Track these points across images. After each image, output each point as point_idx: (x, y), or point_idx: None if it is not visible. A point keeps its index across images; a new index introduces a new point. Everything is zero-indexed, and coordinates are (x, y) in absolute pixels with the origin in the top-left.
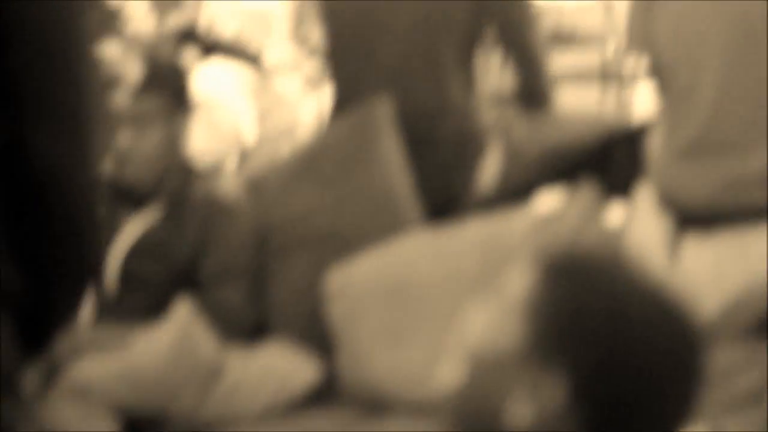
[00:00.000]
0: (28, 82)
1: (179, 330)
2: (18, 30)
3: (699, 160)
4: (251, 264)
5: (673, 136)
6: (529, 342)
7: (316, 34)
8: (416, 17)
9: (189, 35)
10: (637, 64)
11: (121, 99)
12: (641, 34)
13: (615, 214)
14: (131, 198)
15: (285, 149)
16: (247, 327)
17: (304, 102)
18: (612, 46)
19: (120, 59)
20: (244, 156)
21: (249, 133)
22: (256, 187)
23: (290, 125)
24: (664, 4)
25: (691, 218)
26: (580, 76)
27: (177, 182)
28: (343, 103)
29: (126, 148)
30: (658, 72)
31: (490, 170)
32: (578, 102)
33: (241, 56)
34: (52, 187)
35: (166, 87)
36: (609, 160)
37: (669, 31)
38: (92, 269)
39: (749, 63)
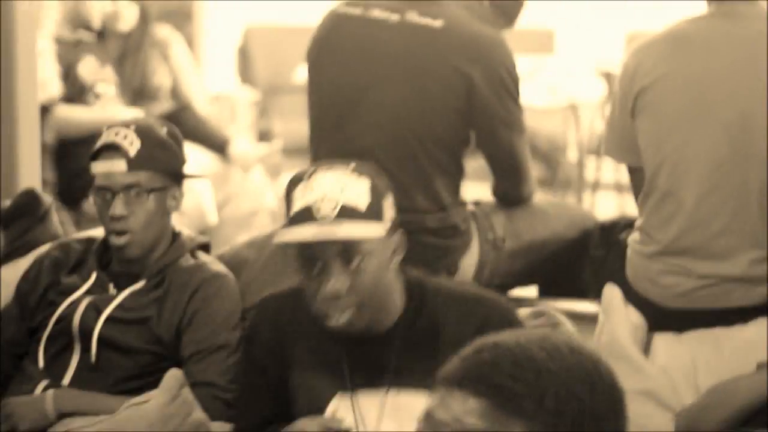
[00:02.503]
0: None
1: (170, 398)
2: None
3: (676, 261)
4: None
5: (650, 238)
6: None
7: (278, 126)
8: (403, 109)
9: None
10: (598, 170)
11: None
12: (620, 142)
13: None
14: (122, 265)
15: (244, 234)
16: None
17: (265, 190)
18: (574, 152)
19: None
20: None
21: (211, 216)
22: (241, 265)
23: (251, 212)
24: (648, 113)
25: (666, 316)
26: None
27: (165, 256)
28: None
29: (121, 217)
30: (638, 177)
31: (470, 260)
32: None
33: (208, 143)
34: None
35: (159, 163)
36: (584, 256)
37: (652, 138)
38: None
39: (731, 171)
